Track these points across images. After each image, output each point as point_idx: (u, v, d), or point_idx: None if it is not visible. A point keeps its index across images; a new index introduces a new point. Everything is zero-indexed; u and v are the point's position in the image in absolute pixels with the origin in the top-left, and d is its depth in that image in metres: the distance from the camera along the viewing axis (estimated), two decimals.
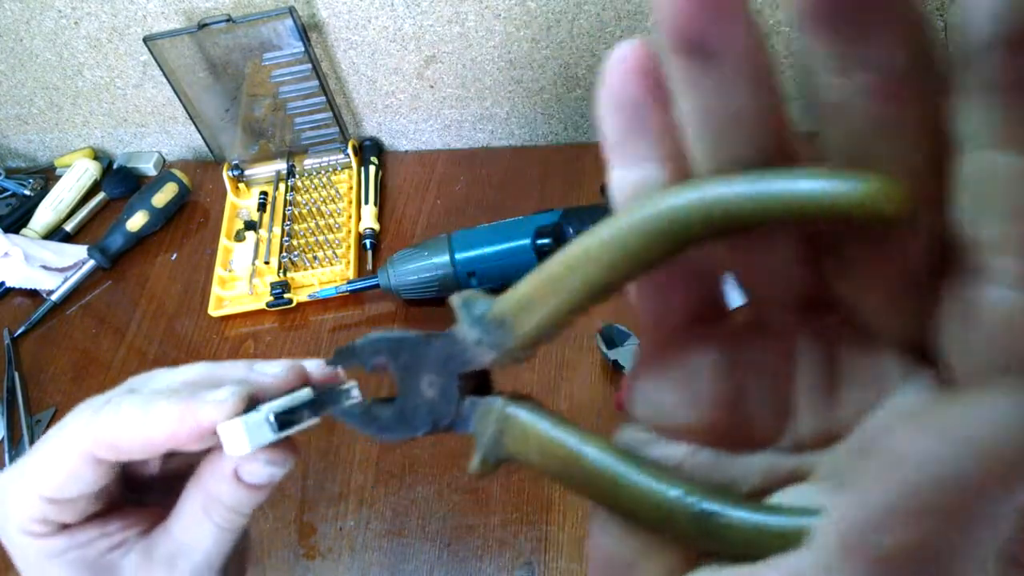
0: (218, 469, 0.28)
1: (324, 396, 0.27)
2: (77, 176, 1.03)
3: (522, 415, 0.20)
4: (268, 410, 0.27)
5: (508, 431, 0.20)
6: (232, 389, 0.26)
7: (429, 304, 0.82)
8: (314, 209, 0.93)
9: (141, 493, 0.31)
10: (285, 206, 0.93)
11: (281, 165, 0.97)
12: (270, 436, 0.26)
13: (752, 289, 0.19)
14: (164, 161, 1.07)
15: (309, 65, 0.89)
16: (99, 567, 0.28)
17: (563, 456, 0.19)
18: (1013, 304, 0.14)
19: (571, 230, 0.77)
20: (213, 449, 0.28)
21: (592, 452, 0.19)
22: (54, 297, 0.91)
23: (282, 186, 0.96)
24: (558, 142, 0.96)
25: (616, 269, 0.18)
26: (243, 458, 0.27)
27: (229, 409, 0.26)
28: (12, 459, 0.78)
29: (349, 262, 0.87)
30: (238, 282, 0.89)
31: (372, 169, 0.95)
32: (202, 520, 0.28)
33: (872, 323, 0.17)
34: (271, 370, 0.29)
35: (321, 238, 0.90)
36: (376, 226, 0.90)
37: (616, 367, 0.71)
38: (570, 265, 0.19)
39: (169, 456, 0.31)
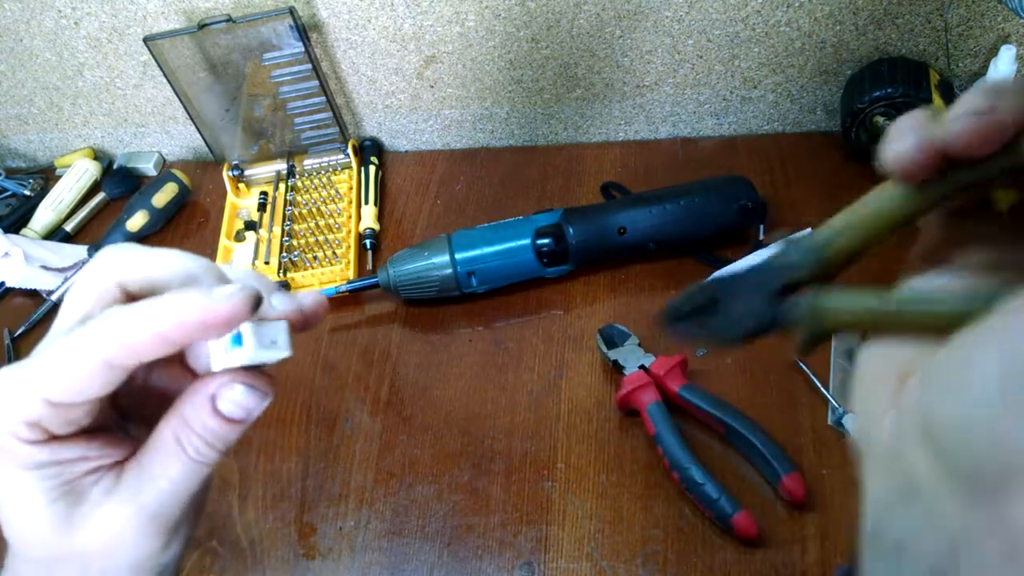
0: (196, 397, 0.28)
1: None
2: (77, 176, 1.03)
3: (832, 296, 0.25)
4: (254, 327, 0.27)
5: (823, 311, 0.25)
6: (244, 289, 0.26)
7: (429, 304, 0.82)
8: (314, 209, 0.93)
9: (124, 417, 0.30)
10: (285, 206, 0.93)
11: (281, 165, 0.97)
12: (262, 354, 0.27)
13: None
14: (164, 161, 1.07)
15: (309, 65, 0.89)
16: (69, 489, 0.27)
17: (870, 310, 0.24)
18: None
19: (571, 230, 0.77)
20: (192, 379, 0.28)
21: (890, 299, 0.24)
22: (54, 297, 0.91)
23: (282, 186, 0.96)
24: (558, 142, 0.96)
25: (905, 209, 0.24)
26: (224, 381, 0.27)
27: (244, 308, 0.26)
28: None
29: (349, 262, 0.87)
30: None
31: (372, 169, 0.95)
32: (174, 450, 0.28)
33: None
34: (270, 281, 0.29)
35: (321, 238, 0.90)
36: (376, 226, 0.90)
37: (616, 367, 0.71)
38: (872, 206, 0.25)
39: (149, 372, 0.31)
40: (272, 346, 0.28)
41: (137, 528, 0.28)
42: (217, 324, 0.26)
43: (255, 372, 0.29)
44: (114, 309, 0.26)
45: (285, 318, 0.29)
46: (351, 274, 0.86)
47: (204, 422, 0.28)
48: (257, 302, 0.27)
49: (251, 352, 0.27)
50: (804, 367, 0.69)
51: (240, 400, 0.28)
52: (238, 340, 0.27)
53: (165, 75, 0.89)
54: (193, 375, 0.31)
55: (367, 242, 0.89)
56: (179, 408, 0.28)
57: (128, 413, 0.31)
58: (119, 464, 0.29)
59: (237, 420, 0.28)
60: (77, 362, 0.26)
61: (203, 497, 0.33)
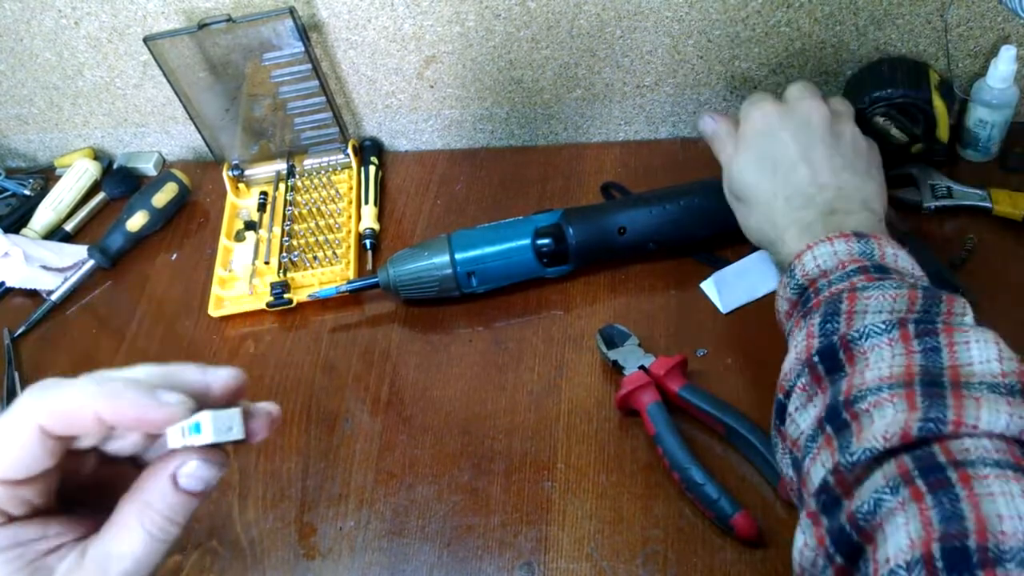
0: (157, 477, 0.30)
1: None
2: (77, 176, 1.03)
3: None
4: (213, 415, 0.30)
5: None
6: (183, 398, 0.30)
7: (429, 304, 0.82)
8: (314, 209, 0.93)
9: (74, 503, 0.32)
10: (285, 206, 0.93)
11: (281, 165, 0.97)
12: (220, 438, 0.30)
13: None
14: (164, 161, 1.07)
15: (309, 65, 0.89)
16: (35, 568, 0.29)
17: None
18: None
19: (571, 230, 0.77)
20: (151, 460, 0.31)
21: None
22: (54, 297, 0.91)
23: (282, 186, 0.96)
24: (558, 142, 0.96)
25: None
26: (182, 459, 0.30)
27: (179, 413, 0.29)
28: None
29: (349, 262, 0.87)
30: (238, 282, 0.89)
31: (372, 169, 0.95)
32: (135, 528, 0.29)
33: None
34: (222, 372, 0.33)
35: (321, 238, 0.90)
36: (376, 226, 0.90)
37: (616, 367, 0.71)
38: None
39: (103, 462, 0.33)
40: (228, 432, 0.30)
41: None
42: (151, 424, 0.30)
43: (209, 448, 0.31)
44: (53, 381, 0.29)
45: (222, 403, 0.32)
46: (351, 274, 0.86)
47: (167, 499, 0.30)
48: (191, 411, 0.30)
49: (210, 439, 0.30)
50: None
51: (199, 473, 0.30)
52: (197, 428, 0.30)
53: (165, 75, 0.89)
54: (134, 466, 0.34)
55: (367, 242, 0.89)
56: (140, 489, 0.30)
57: (77, 499, 0.33)
58: (79, 541, 0.30)
59: (197, 492, 0.30)
60: (16, 437, 0.28)
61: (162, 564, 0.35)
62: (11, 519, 0.29)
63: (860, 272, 0.53)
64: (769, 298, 0.76)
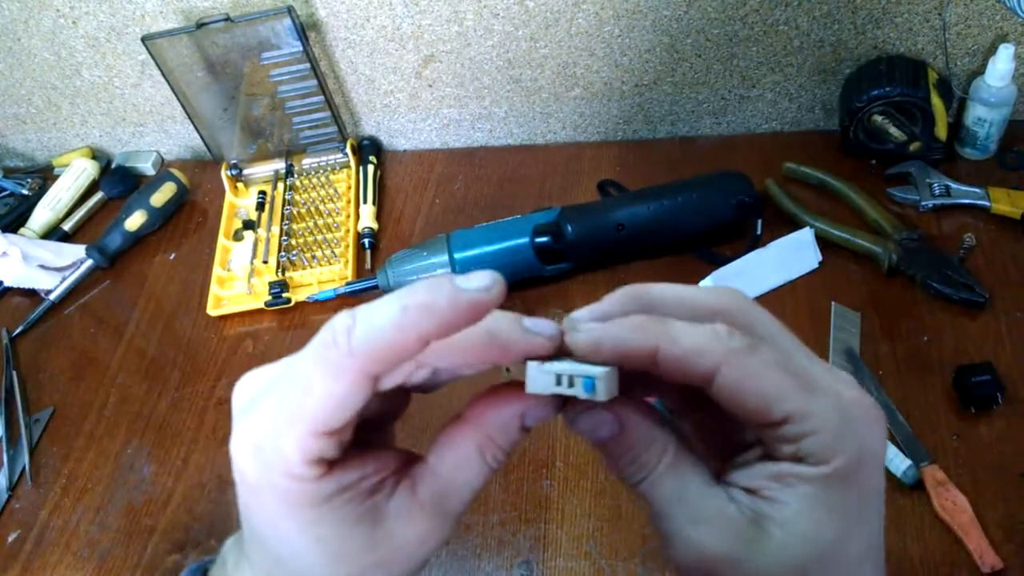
0: (502, 411, 0.29)
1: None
2: (75, 175, 1.03)
3: None
4: (604, 374, 0.27)
5: None
6: (553, 328, 0.28)
7: None
8: (313, 208, 0.93)
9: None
10: (284, 205, 0.93)
11: (279, 164, 0.97)
12: (609, 395, 0.28)
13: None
14: (162, 160, 1.07)
15: (307, 64, 0.89)
16: (367, 511, 0.27)
17: None
18: None
19: (569, 228, 0.77)
20: (486, 394, 0.29)
21: None
22: (52, 296, 0.91)
23: (280, 185, 0.96)
24: (556, 141, 0.96)
25: None
26: (529, 402, 0.29)
27: (546, 346, 0.28)
28: (10, 459, 0.79)
29: (348, 261, 0.87)
30: (236, 281, 0.89)
31: (371, 168, 0.95)
32: (476, 459, 0.28)
33: None
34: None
35: (320, 237, 0.90)
36: (375, 225, 0.90)
37: None
38: None
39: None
40: (612, 394, 0.28)
41: (442, 533, 0.29)
42: (517, 354, 0.28)
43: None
44: (364, 315, 0.25)
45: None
46: (350, 273, 0.86)
47: (511, 436, 0.29)
48: (556, 346, 0.28)
49: (602, 397, 0.27)
50: None
51: (543, 415, 0.29)
52: (589, 386, 0.27)
53: (163, 74, 0.89)
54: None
55: (366, 241, 0.89)
56: (481, 423, 0.29)
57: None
58: (395, 475, 0.29)
59: (529, 428, 0.29)
60: (333, 386, 0.25)
61: None
62: (330, 466, 0.26)
63: None
64: (767, 297, 0.76)
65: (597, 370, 0.27)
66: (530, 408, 0.29)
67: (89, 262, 0.93)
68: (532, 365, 0.28)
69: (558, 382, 0.28)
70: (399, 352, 0.25)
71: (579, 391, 0.27)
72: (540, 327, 0.28)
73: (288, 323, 0.85)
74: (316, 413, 0.25)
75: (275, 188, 0.96)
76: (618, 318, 0.28)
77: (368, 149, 0.98)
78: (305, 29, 0.87)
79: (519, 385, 0.29)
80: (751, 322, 0.28)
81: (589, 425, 0.29)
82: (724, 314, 0.28)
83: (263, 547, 0.28)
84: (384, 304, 0.24)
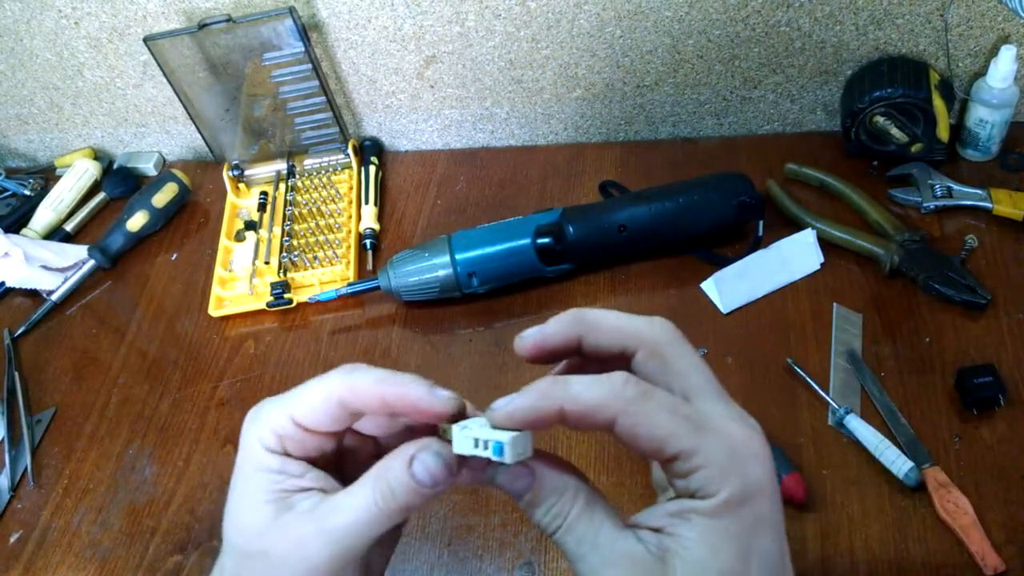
0: (399, 454, 0.33)
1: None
2: (77, 176, 1.03)
3: None
4: (511, 439, 0.31)
5: None
6: (454, 395, 0.33)
7: (429, 304, 0.82)
8: (314, 209, 0.93)
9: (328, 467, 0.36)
10: (285, 206, 0.93)
11: (281, 165, 0.97)
12: (514, 459, 0.31)
13: None
14: (164, 161, 1.07)
15: (309, 65, 0.89)
16: (283, 497, 0.33)
17: None
18: None
19: (571, 229, 0.77)
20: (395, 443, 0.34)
21: None
22: (54, 297, 0.91)
23: (282, 186, 0.96)
24: (558, 142, 0.96)
25: None
26: (423, 445, 0.33)
27: (450, 407, 0.33)
28: (12, 459, 0.79)
29: (349, 262, 0.87)
30: (238, 282, 0.89)
31: (372, 169, 0.95)
32: (364, 492, 0.32)
33: None
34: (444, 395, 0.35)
35: (321, 238, 0.90)
36: (376, 226, 0.90)
37: None
38: None
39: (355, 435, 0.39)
40: (519, 455, 0.32)
41: (317, 547, 0.32)
42: (425, 415, 0.33)
43: (462, 456, 0.33)
44: (356, 366, 0.34)
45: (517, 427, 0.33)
46: (351, 274, 0.86)
47: (398, 477, 0.32)
48: (462, 412, 0.33)
49: (509, 461, 0.31)
50: (799, 370, 0.69)
51: (430, 466, 0.32)
52: (499, 450, 0.31)
53: (165, 75, 0.89)
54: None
55: (367, 242, 0.89)
56: (382, 463, 0.33)
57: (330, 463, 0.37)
58: (325, 492, 0.34)
59: (423, 483, 0.32)
60: (320, 396, 0.33)
61: (387, 554, 0.39)
62: (287, 456, 0.34)
63: None
64: (769, 298, 0.76)
65: (507, 435, 0.31)
66: (419, 454, 0.32)
67: (91, 262, 0.93)
68: (455, 428, 0.33)
69: (476, 444, 0.32)
70: (365, 399, 0.33)
71: (491, 454, 0.31)
72: (443, 395, 0.33)
73: (290, 324, 0.85)
74: (300, 406, 0.33)
75: (277, 189, 0.96)
76: (524, 387, 0.32)
77: (370, 150, 0.98)
78: (307, 30, 0.87)
79: (436, 436, 0.34)
80: (667, 356, 0.34)
81: (507, 479, 0.33)
82: (647, 345, 0.34)
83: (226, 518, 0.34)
84: (374, 371, 0.34)
